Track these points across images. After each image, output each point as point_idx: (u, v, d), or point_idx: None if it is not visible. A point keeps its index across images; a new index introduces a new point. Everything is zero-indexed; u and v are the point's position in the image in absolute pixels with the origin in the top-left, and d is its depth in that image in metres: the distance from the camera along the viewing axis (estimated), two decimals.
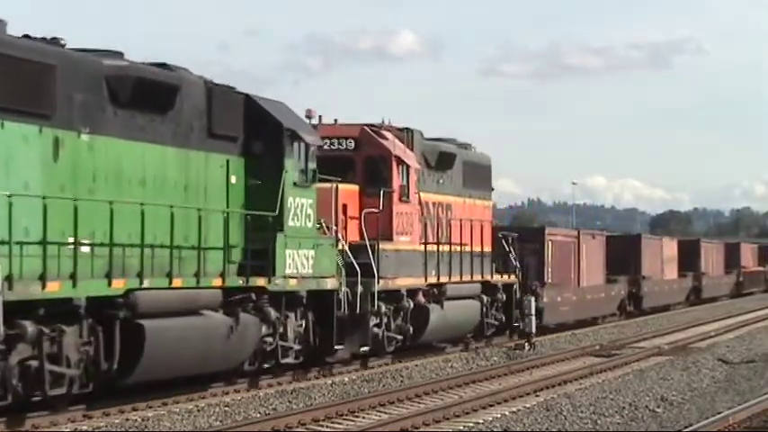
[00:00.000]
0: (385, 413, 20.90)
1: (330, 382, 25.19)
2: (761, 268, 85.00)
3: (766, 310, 57.20)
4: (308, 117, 27.09)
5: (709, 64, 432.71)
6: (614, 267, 49.48)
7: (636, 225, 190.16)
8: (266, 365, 23.80)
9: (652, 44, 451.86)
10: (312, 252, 24.42)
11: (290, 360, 24.44)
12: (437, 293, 30.48)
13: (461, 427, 19.35)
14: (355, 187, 27.92)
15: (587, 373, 27.61)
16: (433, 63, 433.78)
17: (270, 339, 23.52)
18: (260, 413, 20.69)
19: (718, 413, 20.25)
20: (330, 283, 25.20)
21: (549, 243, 41.47)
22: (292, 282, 23.82)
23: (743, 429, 19.06)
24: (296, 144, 23.94)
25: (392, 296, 28.32)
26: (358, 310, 26.31)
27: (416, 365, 28.84)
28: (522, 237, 38.30)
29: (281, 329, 23.79)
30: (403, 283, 28.78)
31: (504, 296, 35.34)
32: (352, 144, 28.55)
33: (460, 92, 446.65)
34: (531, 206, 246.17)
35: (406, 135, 30.17)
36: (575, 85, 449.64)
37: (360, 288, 26.29)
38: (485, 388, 25.04)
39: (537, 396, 23.45)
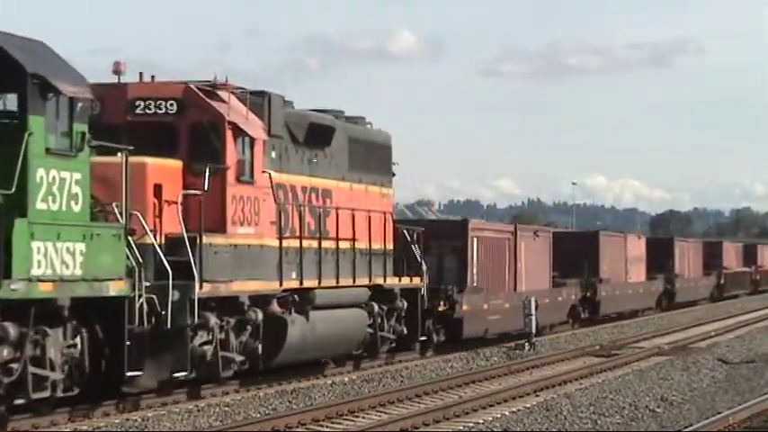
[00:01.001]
0: (385, 413, 20.89)
1: (330, 382, 25.20)
2: (746, 269, 79.03)
3: (765, 310, 57.20)
4: (116, 72, 22.08)
5: (710, 64, 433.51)
6: (567, 269, 43.87)
7: (636, 225, 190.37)
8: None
9: (652, 44, 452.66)
10: (82, 246, 18.03)
11: (44, 394, 17.96)
12: (301, 301, 24.36)
13: (461, 427, 19.34)
14: (176, 163, 21.73)
15: (587, 373, 27.60)
16: (432, 63, 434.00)
17: (15, 366, 17.28)
18: (260, 413, 20.68)
19: (719, 413, 20.24)
20: (114, 288, 18.82)
21: (474, 240, 35.05)
22: (44, 286, 17.34)
23: (743, 429, 19.05)
24: (51, 97, 17.74)
25: (229, 305, 22.23)
26: (169, 324, 20.06)
27: (416, 365, 28.84)
28: (438, 232, 34.30)
29: (36, 352, 17.67)
30: (243, 287, 22.36)
31: (406, 303, 29.22)
32: (174, 107, 22.25)
33: (460, 92, 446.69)
34: (531, 206, 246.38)
35: (258, 100, 23.65)
36: (575, 84, 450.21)
37: (173, 295, 20.08)
38: (485, 388, 25.03)
39: (537, 396, 23.44)
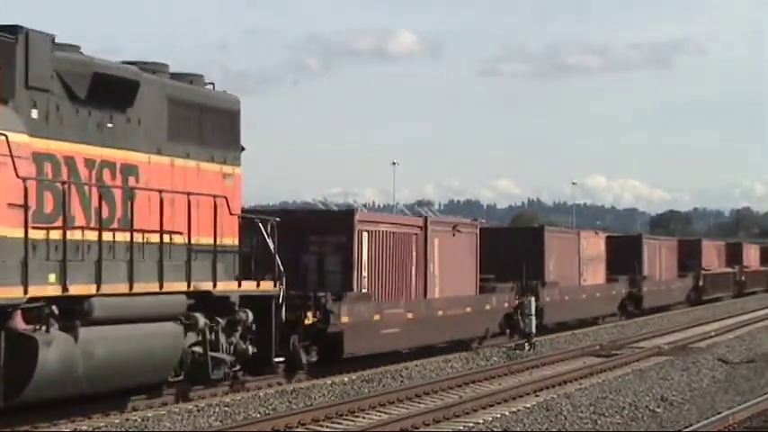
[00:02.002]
0: (385, 413, 20.89)
1: (330, 382, 25.20)
2: (729, 269, 72.44)
3: (766, 310, 57.20)
4: None
5: (710, 64, 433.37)
6: (502, 270, 36.99)
7: (636, 225, 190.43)
8: None
9: (652, 44, 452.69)
10: None
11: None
12: (65, 314, 17.64)
13: (461, 427, 19.34)
14: None
15: (587, 373, 27.60)
16: (432, 63, 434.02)
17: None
18: (260, 413, 20.69)
19: (719, 413, 20.24)
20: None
21: (364, 235, 28.52)
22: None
23: (743, 429, 19.05)
24: None
25: None
26: None
27: (416, 365, 28.84)
28: (319, 225, 28.38)
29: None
30: None
31: (251, 315, 22.42)
32: None
33: (460, 92, 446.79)
34: (531, 206, 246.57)
35: (7, 39, 17.44)
36: (575, 84, 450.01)
37: None
38: (485, 388, 25.04)
39: (537, 396, 23.44)
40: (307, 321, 25.56)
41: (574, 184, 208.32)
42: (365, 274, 28.45)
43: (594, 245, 47.52)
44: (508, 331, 36.95)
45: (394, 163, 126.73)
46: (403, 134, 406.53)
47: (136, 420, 19.43)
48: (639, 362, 30.77)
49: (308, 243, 27.90)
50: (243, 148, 23.26)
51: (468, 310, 33.42)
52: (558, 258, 42.15)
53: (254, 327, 22.49)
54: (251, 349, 22.46)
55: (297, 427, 19.10)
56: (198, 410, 20.68)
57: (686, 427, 18.80)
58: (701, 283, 64.70)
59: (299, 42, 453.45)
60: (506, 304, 36.38)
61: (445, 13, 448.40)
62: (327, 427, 19.49)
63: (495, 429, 19.14)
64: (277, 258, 23.19)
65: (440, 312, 31.74)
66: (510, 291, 36.83)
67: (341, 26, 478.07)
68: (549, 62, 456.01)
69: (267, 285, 22.92)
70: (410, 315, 29.84)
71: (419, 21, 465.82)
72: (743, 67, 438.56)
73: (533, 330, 35.02)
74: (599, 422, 20.09)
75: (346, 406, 20.98)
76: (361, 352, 27.59)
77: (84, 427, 18.76)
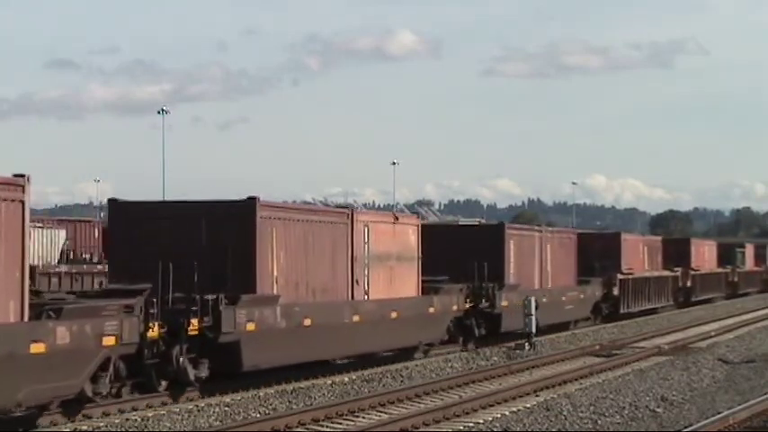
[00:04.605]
0: (385, 413, 20.90)
1: (330, 382, 25.19)
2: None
3: (765, 310, 57.21)
4: None
5: (710, 64, 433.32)
6: (457, 271, 33.77)
7: (636, 225, 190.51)
8: None
9: (652, 44, 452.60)
10: None
11: None
12: None
13: (461, 427, 19.34)
14: None
15: (587, 373, 27.60)
16: (433, 63, 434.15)
17: None
18: (260, 413, 20.70)
19: (719, 413, 20.26)
20: None
21: (273, 225, 24.71)
22: None
23: (743, 429, 19.05)
24: None
25: None
26: None
27: (416, 365, 28.83)
28: (209, 214, 24.10)
29: None
30: None
31: None
32: None
33: (460, 92, 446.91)
34: (532, 206, 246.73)
35: None
36: (575, 85, 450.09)
37: None
38: (485, 388, 25.04)
39: (537, 396, 23.45)
40: (192, 330, 21.95)
41: (574, 183, 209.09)
42: (275, 272, 24.67)
43: (564, 244, 43.76)
44: (461, 339, 34.11)
45: (394, 163, 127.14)
46: (403, 134, 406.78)
47: (136, 420, 19.44)
48: (639, 362, 30.76)
49: (198, 235, 23.91)
50: None
51: (406, 313, 29.48)
52: (520, 258, 38.25)
53: None
54: None
55: (297, 427, 19.10)
56: (198, 410, 20.68)
57: (686, 427, 18.80)
58: (689, 283, 61.42)
59: (299, 42, 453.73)
60: (455, 307, 32.79)
61: (445, 13, 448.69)
62: (327, 427, 19.49)
63: (495, 429, 19.14)
64: None
65: (370, 316, 27.82)
66: (459, 293, 33.26)
67: (341, 26, 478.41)
68: (549, 62, 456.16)
69: None
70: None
71: (419, 21, 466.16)
72: (743, 67, 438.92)
73: (533, 330, 35.00)
74: (599, 422, 20.09)
75: (346, 406, 20.99)
76: (266, 364, 24.04)
77: (85, 427, 18.77)
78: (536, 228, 43.22)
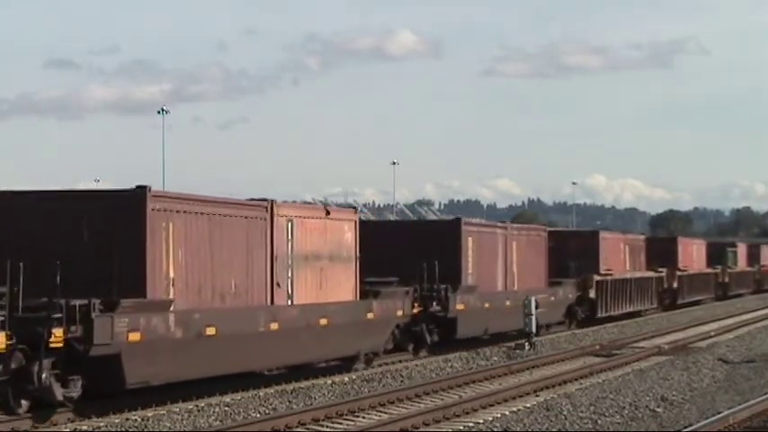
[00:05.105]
0: (385, 413, 20.89)
1: (330, 381, 25.20)
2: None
3: (765, 310, 57.20)
4: None
5: (710, 64, 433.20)
6: (407, 273, 30.72)
7: (636, 225, 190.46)
8: None
9: (652, 44, 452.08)
10: None
11: None
12: None
13: (461, 427, 19.34)
14: None
15: (587, 373, 27.60)
16: (433, 63, 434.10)
17: None
18: (260, 413, 20.70)
19: (719, 413, 20.25)
20: None
21: (170, 218, 21.69)
22: None
23: (743, 429, 19.05)
24: None
25: None
26: None
27: (416, 365, 28.83)
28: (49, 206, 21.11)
29: None
30: None
31: None
32: None
33: (461, 92, 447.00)
34: (532, 206, 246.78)
35: None
36: (575, 84, 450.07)
37: None
38: (485, 388, 25.04)
39: (537, 396, 23.45)
40: (54, 341, 18.88)
41: (574, 183, 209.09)
42: (172, 273, 21.61)
43: (533, 242, 40.27)
44: (411, 346, 31.35)
45: (394, 163, 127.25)
46: (403, 134, 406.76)
47: (136, 420, 19.43)
48: (639, 362, 30.76)
49: (74, 230, 20.79)
50: None
51: (338, 320, 26.24)
52: (480, 258, 34.96)
53: None
54: None
55: (297, 426, 19.10)
56: (198, 410, 20.68)
57: (686, 427, 18.80)
58: (675, 284, 58.08)
59: (299, 42, 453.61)
60: (399, 312, 29.45)
61: (445, 13, 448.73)
62: (327, 427, 19.49)
63: (495, 429, 19.14)
64: None
65: (292, 324, 24.62)
66: (404, 296, 29.87)
67: (341, 26, 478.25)
68: (549, 62, 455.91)
69: None
70: (241, 329, 22.90)
71: (419, 21, 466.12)
72: (743, 67, 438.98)
73: (533, 330, 35.01)
74: (599, 422, 20.08)
75: (346, 406, 20.98)
76: (158, 380, 20.96)
77: (85, 427, 18.77)
78: (499, 224, 39.52)
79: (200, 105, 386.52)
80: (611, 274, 47.69)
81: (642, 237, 57.68)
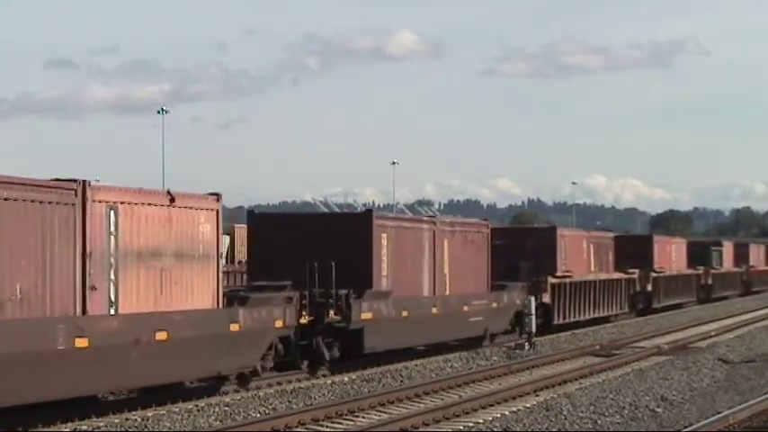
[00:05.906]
0: (385, 413, 20.90)
1: (330, 381, 25.20)
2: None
3: (765, 310, 57.16)
4: None
5: (710, 64, 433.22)
6: (301, 274, 26.28)
7: (636, 225, 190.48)
8: None
9: (652, 43, 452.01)
10: None
11: None
12: None
13: (461, 427, 19.35)
14: None
15: (587, 373, 27.60)
16: (433, 63, 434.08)
17: None
18: (260, 413, 20.71)
19: (719, 413, 20.26)
20: None
21: None
22: None
23: (743, 429, 19.06)
24: None
25: None
26: None
27: (416, 365, 28.83)
28: None
29: None
30: None
31: None
32: None
33: (461, 92, 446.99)
34: (532, 206, 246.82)
35: None
36: (575, 84, 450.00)
37: None
38: (485, 388, 25.04)
39: (537, 396, 23.45)
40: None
41: (574, 183, 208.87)
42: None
43: (472, 240, 34.64)
44: (306, 363, 26.15)
45: (394, 163, 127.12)
46: (403, 134, 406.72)
47: (136, 420, 19.44)
48: (639, 362, 30.76)
49: None
50: None
51: (183, 334, 20.95)
52: (398, 257, 29.78)
53: None
54: None
55: (297, 426, 19.11)
56: (198, 410, 20.68)
57: (686, 427, 18.80)
58: (649, 287, 53.20)
59: (299, 42, 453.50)
60: (278, 323, 24.25)
61: (445, 13, 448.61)
62: (327, 427, 19.49)
63: (495, 429, 19.14)
64: None
65: (109, 340, 19.27)
66: (286, 303, 24.81)
67: (340, 26, 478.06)
68: (548, 62, 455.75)
69: None
70: (31, 347, 17.77)
71: (419, 21, 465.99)
72: (743, 67, 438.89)
73: (533, 330, 35.02)
74: (599, 422, 20.09)
75: (346, 406, 20.99)
76: None
77: (85, 427, 18.77)
78: (426, 218, 32.98)
79: (199, 105, 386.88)
80: (570, 276, 42.52)
81: (610, 235, 52.09)
